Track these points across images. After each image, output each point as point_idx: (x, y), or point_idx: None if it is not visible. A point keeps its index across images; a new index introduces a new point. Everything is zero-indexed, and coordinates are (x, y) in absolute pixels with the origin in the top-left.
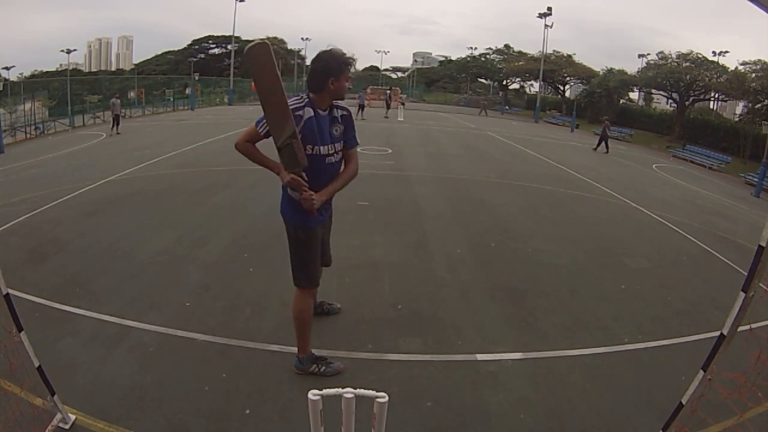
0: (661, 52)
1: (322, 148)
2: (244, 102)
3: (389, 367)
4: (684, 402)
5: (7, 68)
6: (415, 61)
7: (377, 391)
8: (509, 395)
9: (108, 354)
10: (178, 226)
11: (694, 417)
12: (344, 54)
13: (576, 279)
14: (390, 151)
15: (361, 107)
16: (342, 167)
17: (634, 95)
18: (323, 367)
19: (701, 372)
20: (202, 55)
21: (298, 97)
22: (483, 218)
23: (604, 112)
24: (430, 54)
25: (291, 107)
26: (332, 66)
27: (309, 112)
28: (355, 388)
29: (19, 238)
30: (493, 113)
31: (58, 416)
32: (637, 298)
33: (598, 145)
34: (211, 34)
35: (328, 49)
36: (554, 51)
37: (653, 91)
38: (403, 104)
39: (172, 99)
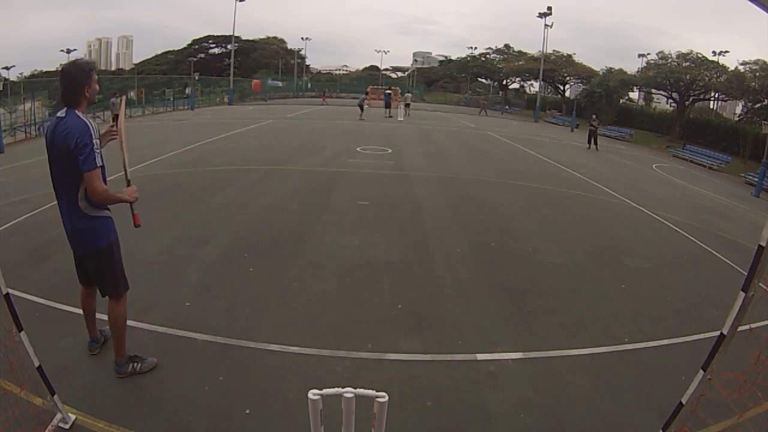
0: (661, 52)
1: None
2: (244, 102)
3: (389, 367)
4: (684, 402)
5: (7, 68)
6: (415, 60)
7: (377, 391)
8: (509, 395)
9: (108, 354)
10: (177, 226)
11: (694, 417)
12: (86, 62)
13: (576, 279)
14: (390, 151)
15: (361, 108)
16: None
17: (634, 95)
18: (139, 365)
19: (701, 372)
20: (202, 55)
21: (74, 114)
22: (483, 218)
23: (604, 112)
24: (430, 54)
25: (89, 122)
26: (79, 76)
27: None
28: (355, 388)
29: (19, 237)
30: (493, 113)
31: (58, 416)
32: (637, 297)
33: (588, 143)
34: (211, 33)
35: (71, 62)
36: (554, 51)
37: (653, 90)
38: (407, 105)
39: (172, 99)
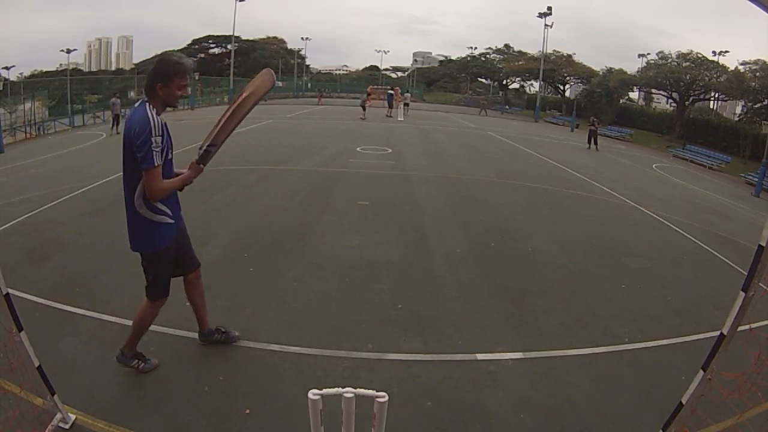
0: (661, 52)
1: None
2: None
3: (389, 367)
4: (684, 402)
5: (7, 68)
6: (415, 60)
7: (377, 391)
8: (509, 395)
9: (108, 354)
10: None
11: (694, 417)
12: (178, 61)
13: (576, 278)
14: (390, 150)
15: (363, 107)
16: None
17: (634, 95)
18: (142, 364)
19: (701, 372)
20: (202, 55)
21: (144, 106)
22: (483, 218)
23: (604, 112)
24: (430, 54)
25: (153, 117)
26: (161, 70)
27: (161, 119)
28: (355, 388)
29: (19, 237)
30: (493, 113)
31: (58, 416)
32: (637, 297)
33: (588, 143)
34: (211, 33)
35: (169, 52)
36: (554, 51)
37: (653, 90)
38: (407, 105)
39: None
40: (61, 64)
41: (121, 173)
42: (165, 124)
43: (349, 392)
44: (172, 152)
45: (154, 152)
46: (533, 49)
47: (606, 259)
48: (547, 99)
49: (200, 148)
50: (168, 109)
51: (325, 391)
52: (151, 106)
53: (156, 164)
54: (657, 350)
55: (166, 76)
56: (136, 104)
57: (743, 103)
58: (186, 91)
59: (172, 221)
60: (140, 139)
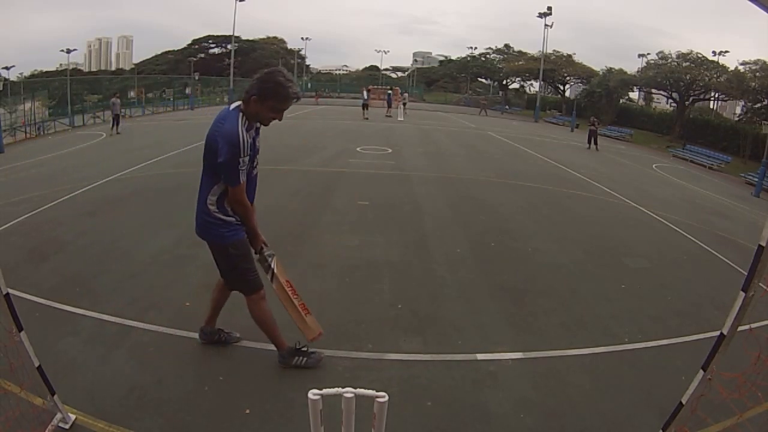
0: (661, 52)
1: (256, 161)
2: None
3: (389, 367)
4: (684, 402)
5: (7, 68)
6: (415, 60)
7: (377, 391)
8: (509, 395)
9: (108, 354)
10: (178, 225)
11: (694, 417)
12: (284, 83)
13: (576, 279)
14: (390, 150)
15: (366, 107)
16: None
17: (634, 95)
18: (304, 359)
19: (701, 372)
20: (202, 55)
21: (236, 116)
22: (483, 218)
23: (604, 112)
24: (430, 54)
25: (242, 135)
26: (262, 83)
27: (250, 131)
28: (355, 388)
29: (19, 238)
30: (493, 113)
31: (58, 416)
32: (637, 297)
33: (588, 143)
34: (211, 33)
35: (280, 69)
36: (554, 51)
37: (653, 90)
38: (405, 104)
39: (172, 99)
40: (61, 64)
41: (121, 173)
42: (255, 136)
43: (349, 392)
44: (257, 163)
45: (240, 171)
46: (533, 49)
47: (606, 259)
48: (547, 99)
49: (263, 251)
50: (167, 109)
51: (325, 391)
52: (242, 117)
53: (240, 182)
54: (657, 350)
55: (263, 93)
56: (231, 107)
57: (743, 103)
58: (280, 116)
59: (239, 225)
60: (225, 157)
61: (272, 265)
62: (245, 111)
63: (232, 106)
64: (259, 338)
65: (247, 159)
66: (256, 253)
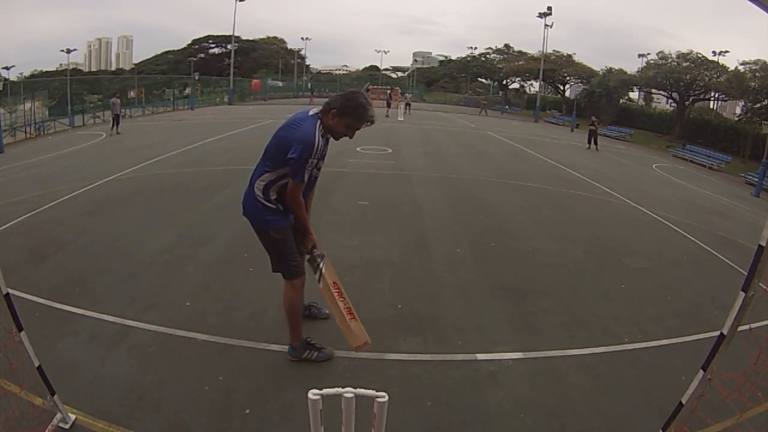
0: (661, 52)
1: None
2: (244, 102)
3: (389, 367)
4: (684, 402)
5: (7, 68)
6: (415, 60)
7: (377, 391)
8: (509, 395)
9: (108, 354)
10: (178, 225)
11: (694, 417)
12: (364, 106)
13: (576, 278)
14: (390, 150)
15: (388, 104)
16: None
17: (634, 95)
18: (315, 353)
19: (701, 372)
20: (202, 55)
21: (315, 121)
22: (483, 218)
23: (604, 112)
24: (430, 54)
25: (318, 139)
26: (344, 100)
27: (324, 137)
28: (355, 388)
29: (19, 238)
30: (493, 113)
31: (58, 416)
32: (637, 297)
33: (588, 143)
34: (211, 33)
35: (362, 92)
36: (554, 51)
37: (653, 90)
38: (408, 105)
39: (172, 99)
40: (61, 64)
41: (121, 173)
42: (325, 144)
43: (349, 392)
44: (320, 168)
45: (306, 170)
46: (533, 49)
47: (606, 259)
48: (547, 99)
49: (314, 251)
50: (167, 109)
51: (325, 391)
52: (320, 125)
53: (303, 180)
54: (657, 350)
55: (343, 109)
56: (310, 112)
57: (743, 103)
58: (351, 134)
59: (283, 213)
60: (297, 153)
61: (321, 266)
62: (324, 121)
63: (311, 112)
64: (259, 338)
65: (314, 161)
66: (306, 253)
